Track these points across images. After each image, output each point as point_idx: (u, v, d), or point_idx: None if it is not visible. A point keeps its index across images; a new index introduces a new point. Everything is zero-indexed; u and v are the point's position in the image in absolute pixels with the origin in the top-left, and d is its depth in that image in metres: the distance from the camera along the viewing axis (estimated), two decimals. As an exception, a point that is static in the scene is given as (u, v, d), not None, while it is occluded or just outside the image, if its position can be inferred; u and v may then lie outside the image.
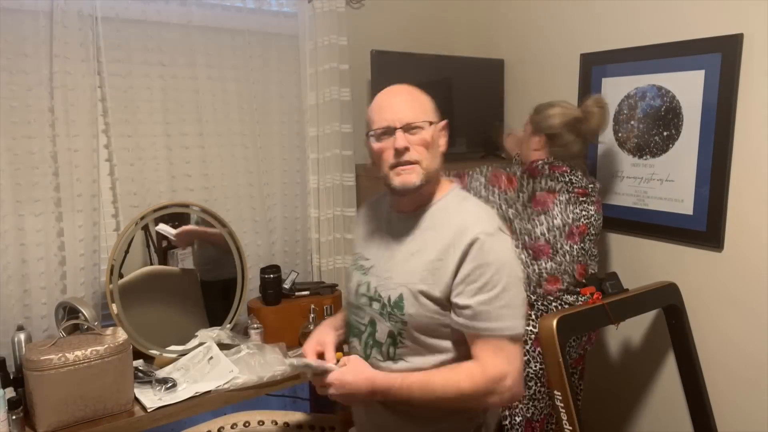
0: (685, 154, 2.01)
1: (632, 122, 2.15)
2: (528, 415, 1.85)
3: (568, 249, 1.87)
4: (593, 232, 1.93)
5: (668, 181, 2.07)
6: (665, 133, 2.06)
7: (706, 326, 2.02)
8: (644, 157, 2.13)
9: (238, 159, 2.21)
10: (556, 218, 1.86)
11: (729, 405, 2.00)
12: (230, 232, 2.08)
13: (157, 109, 2.02)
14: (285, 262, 2.35)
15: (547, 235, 1.85)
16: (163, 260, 2.02)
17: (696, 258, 2.03)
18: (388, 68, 2.32)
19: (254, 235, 2.28)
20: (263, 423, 1.61)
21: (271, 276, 2.11)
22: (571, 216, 1.87)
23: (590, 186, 1.94)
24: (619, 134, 2.20)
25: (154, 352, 1.95)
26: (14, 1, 1.73)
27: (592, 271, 1.96)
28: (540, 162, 1.92)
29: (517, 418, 1.86)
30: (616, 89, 2.19)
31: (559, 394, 1.64)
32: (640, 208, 2.16)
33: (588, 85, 2.28)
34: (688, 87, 1.98)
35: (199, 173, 2.13)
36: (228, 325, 2.11)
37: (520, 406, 1.85)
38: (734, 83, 1.85)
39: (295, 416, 1.64)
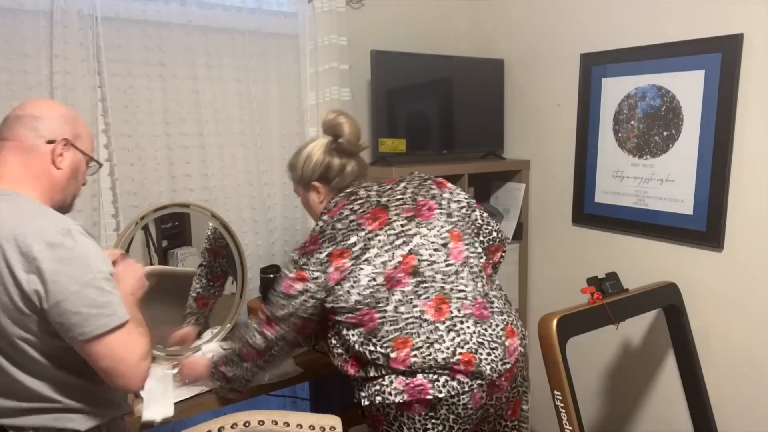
0: (685, 154, 2.01)
1: (632, 122, 2.15)
2: None
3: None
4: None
5: (668, 181, 2.07)
6: (665, 133, 2.06)
7: (706, 326, 2.02)
8: (644, 157, 2.13)
9: (238, 159, 2.21)
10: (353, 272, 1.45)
11: (729, 405, 2.00)
12: (230, 231, 2.08)
13: (157, 109, 2.03)
14: (285, 262, 2.35)
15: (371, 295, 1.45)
16: (163, 260, 2.02)
17: (696, 258, 2.03)
18: (388, 68, 2.32)
19: (254, 235, 2.28)
20: (263, 423, 1.60)
21: (271, 276, 2.11)
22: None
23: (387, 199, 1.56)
24: (619, 134, 2.20)
25: (154, 352, 1.95)
26: (14, 1, 1.73)
27: None
28: (327, 215, 1.53)
29: None
30: (616, 89, 2.19)
31: (559, 394, 1.64)
32: (640, 208, 2.16)
33: (588, 85, 2.28)
34: (688, 87, 1.98)
35: (199, 173, 2.13)
36: (223, 332, 2.11)
37: None
38: (734, 83, 1.85)
39: (295, 416, 1.64)
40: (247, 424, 1.59)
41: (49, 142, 1.25)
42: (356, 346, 1.44)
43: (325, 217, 1.54)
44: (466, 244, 1.54)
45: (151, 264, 2.00)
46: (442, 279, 1.46)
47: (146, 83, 1.99)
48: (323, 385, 2.42)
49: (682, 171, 2.03)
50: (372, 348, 1.41)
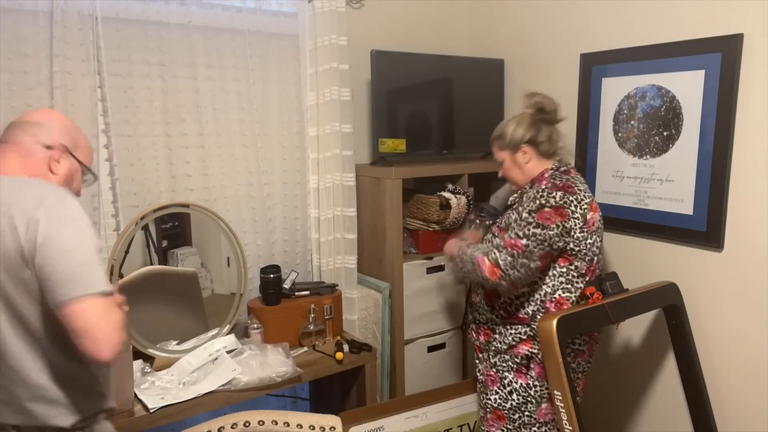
0: (685, 154, 2.01)
1: (632, 122, 2.15)
2: None
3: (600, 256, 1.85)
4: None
5: (668, 181, 2.07)
6: (665, 133, 2.06)
7: (706, 326, 2.02)
8: (644, 157, 2.13)
9: (238, 159, 2.21)
10: (599, 229, 1.80)
11: (729, 405, 2.00)
12: (230, 231, 2.08)
13: (157, 109, 2.03)
14: (285, 262, 2.35)
15: (597, 251, 1.81)
16: (163, 260, 2.02)
17: (696, 258, 2.03)
18: (388, 68, 2.32)
19: (254, 235, 2.28)
20: (263, 423, 1.61)
21: (271, 276, 2.11)
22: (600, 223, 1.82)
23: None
24: (619, 134, 2.20)
25: (153, 352, 1.95)
26: (14, 1, 1.73)
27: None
28: (561, 174, 1.81)
29: None
30: (616, 89, 2.19)
31: (559, 394, 1.64)
32: (640, 208, 2.16)
33: (588, 85, 2.28)
34: (688, 87, 1.98)
35: (199, 173, 2.13)
36: (225, 329, 2.10)
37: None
38: (734, 83, 1.85)
39: (295, 416, 1.64)
40: (247, 424, 1.59)
41: (47, 147, 1.29)
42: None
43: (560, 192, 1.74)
44: None
45: (151, 264, 2.00)
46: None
47: (146, 83, 1.99)
48: (323, 385, 2.42)
49: (682, 171, 2.02)
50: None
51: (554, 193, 1.73)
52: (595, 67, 2.25)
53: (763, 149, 1.82)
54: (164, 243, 2.03)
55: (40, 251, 1.13)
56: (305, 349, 2.14)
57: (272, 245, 2.33)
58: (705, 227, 1.98)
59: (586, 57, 2.28)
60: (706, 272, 2.00)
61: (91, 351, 1.13)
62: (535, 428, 1.85)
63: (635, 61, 2.11)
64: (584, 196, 1.77)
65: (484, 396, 1.94)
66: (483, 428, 1.98)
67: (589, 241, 1.76)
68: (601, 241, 1.83)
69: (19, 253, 1.13)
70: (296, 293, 2.19)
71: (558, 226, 1.70)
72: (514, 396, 1.85)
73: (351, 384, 2.26)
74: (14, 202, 1.15)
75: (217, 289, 2.16)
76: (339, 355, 2.06)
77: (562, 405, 1.63)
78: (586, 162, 2.32)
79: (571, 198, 1.73)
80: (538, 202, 1.72)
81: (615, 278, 1.90)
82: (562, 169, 1.84)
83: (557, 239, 1.71)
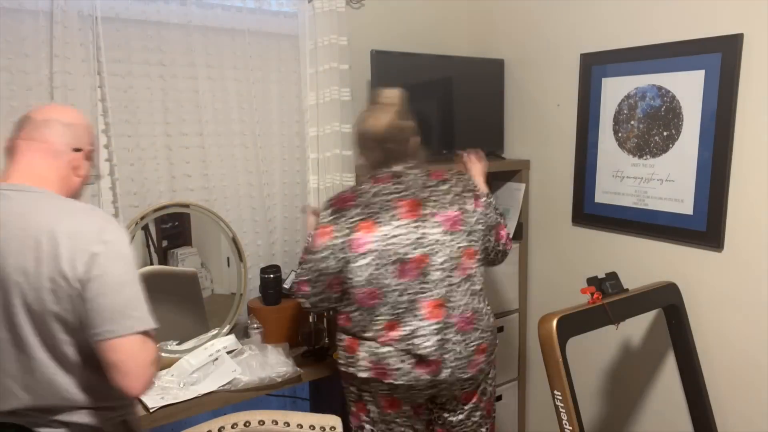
0: (685, 154, 2.01)
1: (632, 122, 2.15)
2: None
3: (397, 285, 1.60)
4: (441, 258, 1.62)
5: (668, 181, 2.07)
6: (665, 133, 2.06)
7: (706, 326, 2.02)
8: (644, 157, 2.13)
9: (238, 159, 2.21)
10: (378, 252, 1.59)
11: (729, 405, 2.00)
12: (230, 231, 2.08)
13: (157, 109, 2.03)
14: (285, 262, 2.35)
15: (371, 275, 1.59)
16: (163, 260, 2.02)
17: (696, 258, 2.03)
18: (388, 68, 2.32)
19: (254, 235, 2.28)
20: (263, 423, 1.61)
21: (271, 276, 2.11)
22: (392, 246, 1.59)
23: (426, 194, 1.66)
24: (619, 134, 2.20)
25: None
26: (14, 1, 1.73)
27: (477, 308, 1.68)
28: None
29: None
30: (616, 89, 2.19)
31: (559, 394, 1.64)
32: (640, 208, 2.16)
33: (588, 85, 2.28)
34: (688, 87, 1.98)
35: (199, 173, 2.13)
36: (225, 329, 2.10)
37: None
38: (734, 83, 1.85)
39: (295, 416, 1.64)
40: (247, 424, 1.59)
41: (76, 150, 1.30)
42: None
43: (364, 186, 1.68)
44: (475, 263, 1.70)
45: (151, 264, 2.00)
46: (446, 287, 1.63)
47: (146, 83, 1.99)
48: (323, 385, 2.42)
49: (682, 171, 2.03)
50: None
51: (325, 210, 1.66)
52: (595, 67, 2.25)
53: (763, 149, 1.82)
54: (164, 243, 2.03)
55: (93, 284, 1.14)
56: (305, 348, 2.14)
57: (272, 245, 2.33)
58: (705, 227, 1.98)
59: (586, 57, 2.28)
60: (706, 272, 2.01)
61: (124, 385, 1.17)
62: None
63: (635, 61, 2.11)
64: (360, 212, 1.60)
65: None
66: None
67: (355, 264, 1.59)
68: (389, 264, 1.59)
69: (72, 280, 1.14)
70: (296, 293, 2.19)
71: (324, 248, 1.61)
72: None
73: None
74: (77, 230, 1.16)
75: (217, 289, 2.16)
76: (336, 355, 2.06)
77: (562, 405, 1.63)
78: (586, 162, 2.32)
79: (338, 214, 1.64)
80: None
81: (615, 278, 1.90)
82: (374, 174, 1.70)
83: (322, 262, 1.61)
